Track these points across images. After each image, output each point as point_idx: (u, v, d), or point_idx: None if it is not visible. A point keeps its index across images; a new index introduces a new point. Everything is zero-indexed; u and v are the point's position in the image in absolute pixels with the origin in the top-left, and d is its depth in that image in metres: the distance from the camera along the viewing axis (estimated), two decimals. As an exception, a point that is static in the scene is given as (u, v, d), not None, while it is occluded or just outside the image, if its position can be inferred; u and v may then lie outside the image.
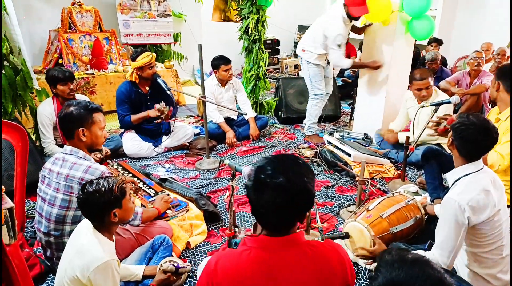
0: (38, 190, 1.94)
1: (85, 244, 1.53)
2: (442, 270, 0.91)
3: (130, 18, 5.51)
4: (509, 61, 4.76)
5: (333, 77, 4.73)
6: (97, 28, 5.10)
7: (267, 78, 4.79)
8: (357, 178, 2.56)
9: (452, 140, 1.73)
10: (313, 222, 2.26)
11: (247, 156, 3.76)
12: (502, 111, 2.33)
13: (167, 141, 3.71)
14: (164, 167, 3.42)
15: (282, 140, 4.17)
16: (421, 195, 2.78)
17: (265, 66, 4.60)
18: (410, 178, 3.27)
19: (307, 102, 4.19)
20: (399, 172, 3.26)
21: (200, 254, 2.28)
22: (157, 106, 3.41)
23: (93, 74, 4.80)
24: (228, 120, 4.13)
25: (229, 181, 2.12)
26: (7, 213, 1.33)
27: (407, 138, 3.07)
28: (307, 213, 2.12)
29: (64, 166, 1.86)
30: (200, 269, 1.75)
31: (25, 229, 2.34)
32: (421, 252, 1.59)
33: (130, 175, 2.75)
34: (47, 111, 3.10)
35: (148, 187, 2.58)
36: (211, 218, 2.57)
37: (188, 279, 2.03)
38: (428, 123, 2.55)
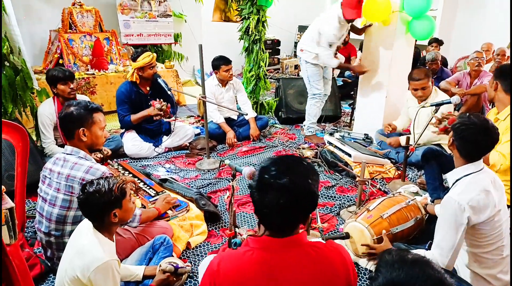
0: (38, 190, 1.95)
1: (86, 245, 1.53)
2: (442, 270, 0.91)
3: (130, 18, 5.51)
4: (508, 61, 4.76)
5: (334, 78, 4.74)
6: (98, 28, 5.11)
7: (267, 78, 4.79)
8: (357, 179, 2.56)
9: (452, 141, 1.73)
10: (313, 223, 2.26)
11: (247, 156, 3.76)
12: (500, 111, 2.33)
13: (167, 141, 3.71)
14: (164, 167, 3.42)
15: (283, 141, 4.17)
16: (421, 196, 2.78)
17: (265, 66, 4.61)
18: (411, 179, 3.27)
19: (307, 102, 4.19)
20: (399, 172, 3.26)
21: (200, 254, 2.28)
22: (155, 104, 3.40)
23: (93, 74, 4.80)
24: (228, 120, 4.13)
25: (230, 181, 2.12)
26: (8, 213, 1.33)
27: (408, 138, 3.07)
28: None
29: (65, 166, 1.86)
30: (201, 269, 1.75)
31: (25, 229, 2.34)
32: (421, 252, 1.60)
33: (131, 175, 2.75)
34: (47, 111, 3.10)
35: (148, 187, 2.58)
36: (212, 218, 2.57)
37: (189, 279, 2.03)
38: (431, 119, 2.54)
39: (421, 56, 5.61)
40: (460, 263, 1.80)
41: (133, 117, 3.52)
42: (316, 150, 3.68)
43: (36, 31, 5.20)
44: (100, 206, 1.56)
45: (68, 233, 1.87)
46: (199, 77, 6.65)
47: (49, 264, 2.03)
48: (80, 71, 4.80)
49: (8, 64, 2.91)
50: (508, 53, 4.88)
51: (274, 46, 7.71)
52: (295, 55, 7.66)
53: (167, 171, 3.35)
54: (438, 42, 5.46)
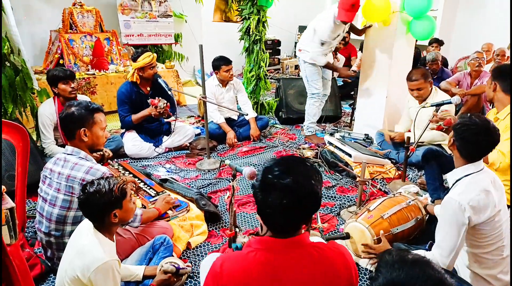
0: (39, 190, 1.95)
1: (86, 245, 1.53)
2: (442, 270, 0.91)
3: (131, 19, 5.52)
4: (508, 61, 4.76)
5: (334, 78, 4.74)
6: (98, 28, 5.11)
7: (267, 78, 4.80)
8: (357, 179, 2.56)
9: (453, 141, 1.73)
10: (313, 223, 2.26)
11: (247, 157, 3.76)
12: (500, 110, 2.34)
13: (167, 142, 3.71)
14: (164, 168, 3.42)
15: (283, 141, 4.17)
16: (421, 196, 2.77)
17: (265, 66, 4.61)
18: (411, 179, 3.27)
19: (307, 102, 4.20)
20: (399, 172, 3.26)
21: (200, 254, 2.28)
22: (155, 102, 3.40)
23: (94, 74, 4.81)
24: (228, 120, 4.13)
25: (230, 182, 2.13)
26: (8, 213, 1.34)
27: (408, 138, 3.07)
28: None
29: (65, 166, 1.86)
30: (202, 268, 1.75)
31: (25, 229, 2.34)
32: (421, 253, 1.60)
33: (131, 175, 2.75)
34: (47, 111, 3.10)
35: (148, 188, 2.58)
36: (212, 218, 2.57)
37: (189, 279, 2.03)
38: (432, 117, 2.53)
39: (422, 56, 5.61)
40: (460, 263, 1.80)
41: (134, 117, 3.52)
42: (316, 150, 3.68)
43: (37, 31, 5.20)
44: (100, 206, 1.56)
45: (68, 233, 1.87)
46: (199, 77, 6.65)
47: (49, 264, 2.03)
48: (80, 71, 4.80)
49: (8, 64, 2.91)
50: (507, 54, 4.88)
51: (274, 47, 7.71)
52: (295, 56, 7.65)
53: (168, 171, 3.35)
54: (439, 43, 5.47)
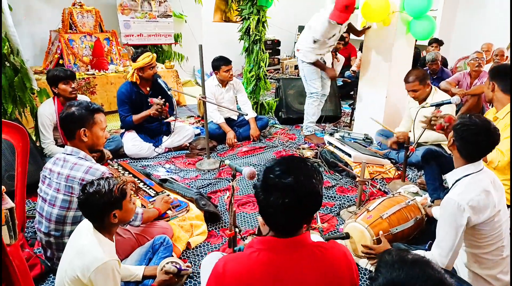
0: (38, 190, 1.95)
1: (86, 245, 1.53)
2: (442, 270, 0.91)
3: (130, 19, 5.52)
4: (508, 61, 4.76)
5: (333, 78, 4.73)
6: (98, 28, 5.11)
7: (267, 78, 4.80)
8: (357, 179, 2.56)
9: (453, 141, 1.73)
10: (313, 223, 2.26)
11: (247, 157, 3.76)
12: (499, 110, 2.34)
13: (167, 142, 3.71)
14: (164, 168, 3.42)
15: (283, 141, 4.17)
16: (421, 196, 2.77)
17: (265, 66, 4.61)
18: (411, 179, 3.27)
19: (307, 102, 4.19)
20: (399, 172, 3.26)
21: (200, 254, 2.28)
22: (155, 101, 3.40)
23: (93, 74, 4.81)
24: (228, 120, 4.13)
25: (230, 182, 2.12)
26: (8, 213, 1.33)
27: (408, 138, 3.07)
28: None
29: (65, 166, 1.86)
30: (202, 268, 1.75)
31: (25, 229, 2.34)
32: (421, 253, 1.60)
33: (131, 175, 2.75)
34: (47, 111, 3.10)
35: (148, 188, 2.58)
36: (212, 218, 2.57)
37: (189, 279, 2.03)
38: (430, 119, 2.52)
39: (421, 56, 5.61)
40: (460, 263, 1.80)
41: (135, 117, 3.53)
42: (316, 150, 3.69)
43: (36, 31, 5.20)
44: (100, 206, 1.56)
45: (67, 233, 1.87)
46: (199, 78, 6.65)
47: (49, 264, 2.03)
48: (80, 71, 4.80)
49: (8, 65, 2.91)
50: (506, 54, 4.88)
51: (274, 47, 7.71)
52: (295, 56, 7.67)
53: (167, 171, 3.35)
54: (438, 43, 5.46)
